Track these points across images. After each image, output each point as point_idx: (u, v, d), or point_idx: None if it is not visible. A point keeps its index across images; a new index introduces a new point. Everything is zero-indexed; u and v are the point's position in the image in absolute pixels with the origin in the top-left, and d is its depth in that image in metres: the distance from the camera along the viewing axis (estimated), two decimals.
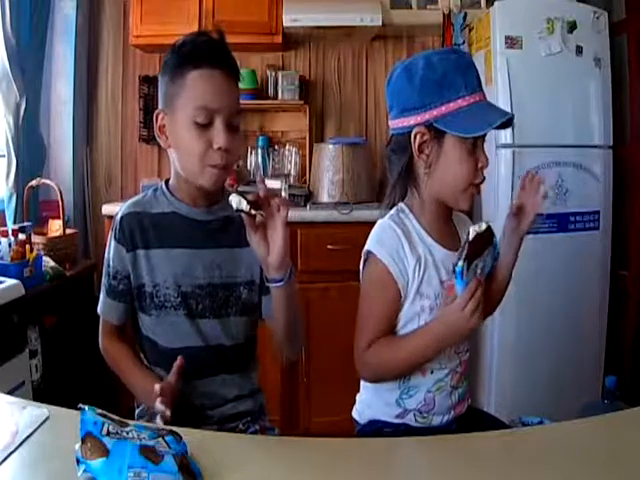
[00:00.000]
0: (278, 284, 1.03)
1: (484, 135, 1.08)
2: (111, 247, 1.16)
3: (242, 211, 0.96)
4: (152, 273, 1.14)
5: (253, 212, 0.96)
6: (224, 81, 1.07)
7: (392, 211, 1.16)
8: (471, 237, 0.96)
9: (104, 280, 1.19)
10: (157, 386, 1.02)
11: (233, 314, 1.17)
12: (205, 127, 1.06)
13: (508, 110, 2.26)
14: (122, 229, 1.15)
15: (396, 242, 1.09)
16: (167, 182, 1.19)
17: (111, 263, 1.16)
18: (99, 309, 1.21)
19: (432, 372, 1.12)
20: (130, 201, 1.18)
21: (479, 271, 1.01)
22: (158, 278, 1.14)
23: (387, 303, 1.10)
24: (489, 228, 1.00)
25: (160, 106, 1.13)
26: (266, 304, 1.16)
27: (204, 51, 1.07)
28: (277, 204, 0.97)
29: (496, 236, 1.04)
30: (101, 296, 1.20)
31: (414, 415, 1.13)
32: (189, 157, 1.08)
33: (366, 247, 1.13)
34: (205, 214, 1.16)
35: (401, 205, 1.16)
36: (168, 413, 0.98)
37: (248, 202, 0.96)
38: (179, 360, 1.08)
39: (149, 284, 1.14)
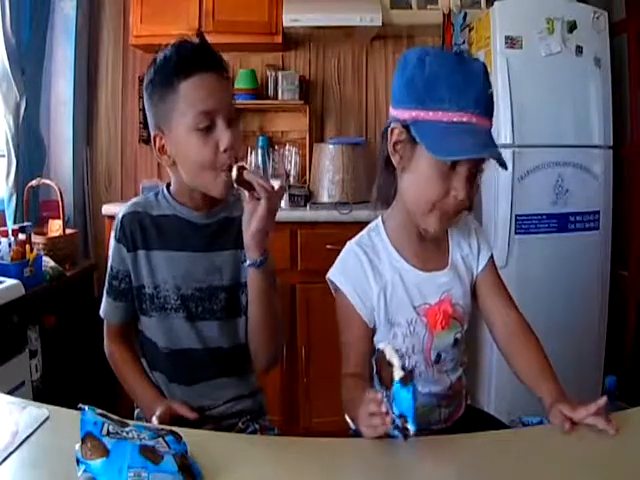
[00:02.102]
0: (247, 264, 1.06)
1: (473, 164, 0.96)
2: (112, 248, 1.17)
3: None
4: (152, 274, 1.14)
5: (235, 186, 1.01)
6: (216, 81, 1.07)
7: (364, 231, 1.11)
8: (387, 353, 0.82)
9: (107, 281, 1.19)
10: (155, 419, 1.04)
11: (233, 316, 1.18)
12: (208, 130, 1.05)
13: (508, 113, 2.29)
14: (123, 229, 1.15)
15: (359, 272, 1.05)
16: (168, 186, 1.19)
17: (112, 263, 1.17)
18: (102, 312, 1.21)
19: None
20: (131, 202, 1.19)
21: (386, 400, 0.81)
22: (158, 280, 1.14)
23: (356, 338, 1.06)
24: (404, 377, 0.79)
25: (153, 129, 1.11)
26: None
27: (190, 59, 1.05)
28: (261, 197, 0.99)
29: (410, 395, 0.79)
30: (103, 299, 1.20)
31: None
32: (199, 168, 1.07)
33: (330, 273, 1.09)
34: (205, 217, 1.16)
35: (377, 221, 1.11)
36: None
37: (238, 177, 1.00)
38: (193, 416, 1.08)
39: (149, 285, 1.15)
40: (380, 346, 0.83)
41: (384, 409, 0.79)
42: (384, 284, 1.04)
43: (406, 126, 0.97)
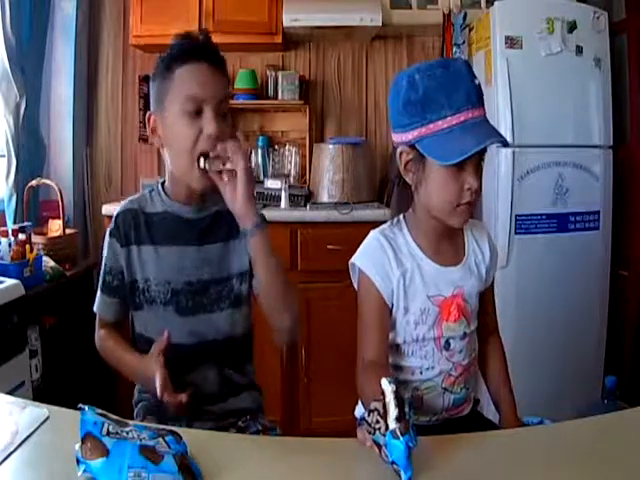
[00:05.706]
0: (249, 232, 1.09)
1: (477, 155, 1.01)
2: (106, 243, 1.20)
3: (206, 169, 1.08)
4: (143, 269, 1.17)
5: (207, 167, 1.07)
6: (210, 72, 1.11)
7: (386, 224, 1.16)
8: (387, 397, 0.77)
9: (100, 277, 1.22)
10: (159, 383, 1.03)
11: (226, 308, 1.19)
12: (195, 116, 1.09)
13: (508, 113, 2.29)
14: (117, 225, 1.18)
15: (380, 254, 1.10)
16: (163, 183, 1.22)
17: (105, 260, 1.20)
18: (95, 306, 1.24)
19: (421, 372, 1.11)
20: (128, 199, 1.22)
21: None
22: (149, 275, 1.17)
23: (375, 317, 1.09)
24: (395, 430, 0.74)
25: (151, 109, 1.16)
26: (255, 279, 1.17)
27: (189, 49, 1.12)
28: (234, 154, 1.05)
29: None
30: (97, 293, 1.23)
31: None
32: (180, 149, 1.11)
33: (353, 258, 1.13)
34: (196, 212, 1.19)
35: (400, 217, 1.16)
36: (184, 398, 1.03)
37: (206, 159, 1.08)
38: (163, 342, 1.10)
39: (141, 280, 1.17)
40: (382, 384, 0.77)
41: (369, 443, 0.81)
42: (404, 270, 1.10)
43: (412, 145, 1.05)
